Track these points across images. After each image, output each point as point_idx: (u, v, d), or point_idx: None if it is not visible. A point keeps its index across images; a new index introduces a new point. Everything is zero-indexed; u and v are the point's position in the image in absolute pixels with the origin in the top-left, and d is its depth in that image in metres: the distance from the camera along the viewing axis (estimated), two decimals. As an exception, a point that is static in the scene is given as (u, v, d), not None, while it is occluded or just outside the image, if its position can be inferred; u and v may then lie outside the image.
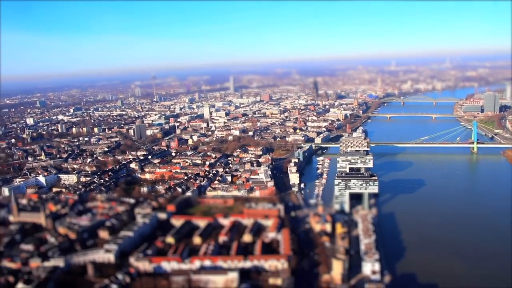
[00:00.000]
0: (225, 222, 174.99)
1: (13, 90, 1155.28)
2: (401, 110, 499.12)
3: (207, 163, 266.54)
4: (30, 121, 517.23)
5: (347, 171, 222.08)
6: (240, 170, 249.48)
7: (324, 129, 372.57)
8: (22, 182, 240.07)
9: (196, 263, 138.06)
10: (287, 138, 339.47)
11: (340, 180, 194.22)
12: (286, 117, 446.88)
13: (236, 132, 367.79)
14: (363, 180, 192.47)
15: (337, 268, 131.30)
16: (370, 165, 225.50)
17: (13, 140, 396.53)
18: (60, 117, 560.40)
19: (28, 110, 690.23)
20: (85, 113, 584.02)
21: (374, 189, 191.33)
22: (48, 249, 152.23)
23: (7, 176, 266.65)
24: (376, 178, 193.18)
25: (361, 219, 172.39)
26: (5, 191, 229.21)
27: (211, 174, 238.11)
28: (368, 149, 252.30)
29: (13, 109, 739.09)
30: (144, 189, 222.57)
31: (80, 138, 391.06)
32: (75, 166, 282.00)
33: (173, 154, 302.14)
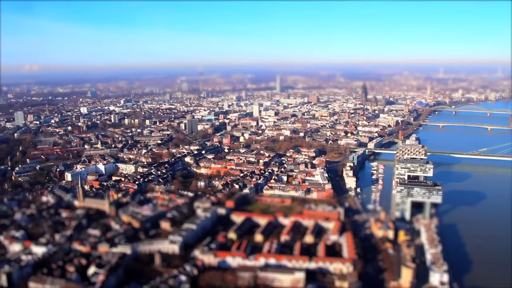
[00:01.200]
0: (285, 221, 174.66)
1: (64, 80, 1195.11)
2: (453, 119, 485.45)
3: (261, 161, 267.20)
4: (84, 110, 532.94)
5: (405, 178, 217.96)
6: (295, 170, 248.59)
7: (376, 134, 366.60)
8: (83, 169, 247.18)
9: (261, 260, 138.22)
10: (339, 141, 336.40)
11: (402, 187, 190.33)
12: (336, 120, 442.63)
13: (287, 132, 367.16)
14: (427, 189, 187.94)
15: (406, 276, 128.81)
16: (430, 174, 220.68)
17: (69, 128, 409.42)
18: (111, 107, 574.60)
19: (80, 100, 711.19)
20: (135, 105, 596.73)
21: (438, 198, 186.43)
22: (115, 236, 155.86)
23: (68, 162, 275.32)
24: (440, 187, 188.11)
25: (425, 228, 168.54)
26: (68, 176, 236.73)
27: (267, 173, 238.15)
28: (426, 157, 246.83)
29: (66, 98, 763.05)
30: (201, 184, 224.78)
31: (133, 129, 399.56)
32: (130, 156, 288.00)
33: (226, 150, 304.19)
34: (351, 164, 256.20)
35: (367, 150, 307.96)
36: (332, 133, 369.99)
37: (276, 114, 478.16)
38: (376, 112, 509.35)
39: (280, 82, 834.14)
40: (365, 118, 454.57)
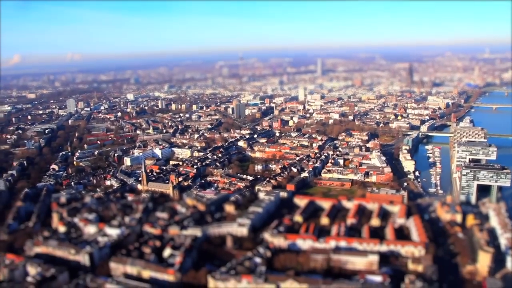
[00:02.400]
0: (349, 205, 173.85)
1: (105, 67, 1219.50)
2: (506, 101, 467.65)
3: (314, 145, 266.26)
4: (130, 96, 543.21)
5: (467, 161, 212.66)
6: (350, 154, 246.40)
7: (427, 117, 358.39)
8: (140, 154, 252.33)
9: (331, 243, 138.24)
10: (390, 125, 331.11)
11: (468, 171, 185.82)
12: (384, 103, 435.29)
13: (336, 116, 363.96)
14: (494, 172, 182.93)
15: (484, 260, 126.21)
16: (493, 157, 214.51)
17: (119, 114, 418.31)
18: (156, 93, 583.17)
19: (125, 86, 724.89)
20: (179, 91, 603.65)
21: (506, 182, 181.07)
22: (183, 219, 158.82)
23: (123, 147, 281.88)
24: (508, 170, 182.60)
25: (494, 212, 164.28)
26: (127, 161, 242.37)
27: (323, 157, 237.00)
28: (485, 140, 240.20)
29: (110, 85, 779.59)
30: (258, 167, 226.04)
31: (181, 115, 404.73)
32: (183, 141, 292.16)
33: (277, 134, 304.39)
34: (407, 147, 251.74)
35: (420, 133, 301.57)
36: (381, 116, 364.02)
37: (322, 97, 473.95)
38: (424, 94, 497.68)
39: (321, 65, 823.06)
40: (413, 100, 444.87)
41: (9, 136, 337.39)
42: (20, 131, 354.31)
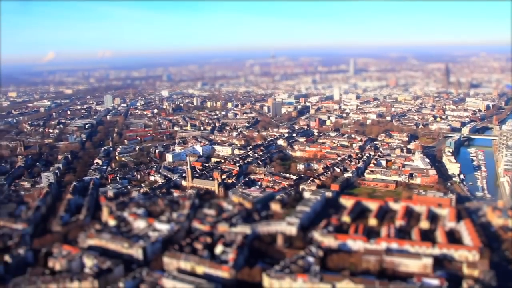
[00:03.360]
0: (396, 206, 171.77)
1: (136, 64, 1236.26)
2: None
3: (355, 145, 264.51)
4: (165, 93, 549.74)
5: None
6: (391, 155, 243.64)
7: (467, 119, 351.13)
8: (182, 150, 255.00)
9: (382, 245, 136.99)
10: (430, 126, 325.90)
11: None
12: (421, 104, 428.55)
13: (373, 116, 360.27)
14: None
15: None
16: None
17: (155, 110, 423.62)
18: (190, 91, 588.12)
19: (158, 83, 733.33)
20: (212, 88, 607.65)
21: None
22: (231, 216, 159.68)
23: (163, 144, 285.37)
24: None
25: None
26: (169, 157, 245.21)
27: (364, 157, 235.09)
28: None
29: (143, 82, 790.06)
30: (300, 166, 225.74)
31: (216, 112, 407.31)
32: (222, 138, 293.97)
33: (315, 133, 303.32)
34: (450, 150, 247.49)
35: (462, 136, 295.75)
36: (419, 118, 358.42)
37: (358, 97, 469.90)
38: (461, 95, 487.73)
39: (353, 65, 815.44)
40: (451, 102, 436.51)
41: (51, 130, 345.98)
42: (61, 126, 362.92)
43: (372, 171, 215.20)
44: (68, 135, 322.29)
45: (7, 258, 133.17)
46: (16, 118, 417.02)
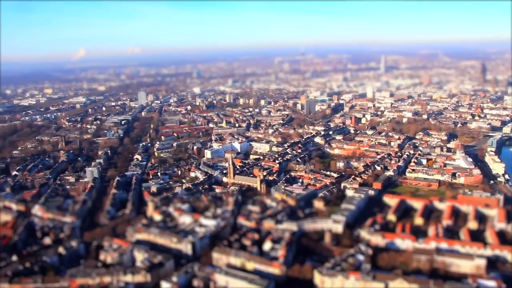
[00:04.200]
0: (441, 206, 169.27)
1: (165, 61, 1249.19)
2: None
3: (393, 143, 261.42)
4: (197, 90, 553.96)
5: None
6: (432, 154, 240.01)
7: (508, 118, 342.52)
8: (220, 147, 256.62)
9: (431, 244, 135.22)
10: (468, 125, 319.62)
11: None
12: (457, 102, 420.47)
13: (409, 114, 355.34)
14: None
15: None
16: None
17: (189, 107, 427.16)
18: (221, 88, 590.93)
19: (188, 80, 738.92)
20: (244, 85, 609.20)
21: None
22: (276, 213, 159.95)
23: (200, 140, 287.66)
24: None
25: None
26: (207, 154, 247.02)
27: (404, 155, 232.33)
28: None
29: (174, 78, 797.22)
30: (340, 164, 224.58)
31: (250, 109, 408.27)
32: (259, 135, 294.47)
33: (352, 131, 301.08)
34: (493, 149, 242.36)
35: (503, 135, 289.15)
36: (457, 116, 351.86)
37: (391, 95, 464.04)
38: (499, 94, 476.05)
39: (384, 62, 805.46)
40: (488, 100, 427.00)
41: (89, 126, 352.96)
42: (98, 122, 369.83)
43: (413, 170, 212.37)
44: (105, 131, 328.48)
45: (61, 250, 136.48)
46: (54, 114, 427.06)
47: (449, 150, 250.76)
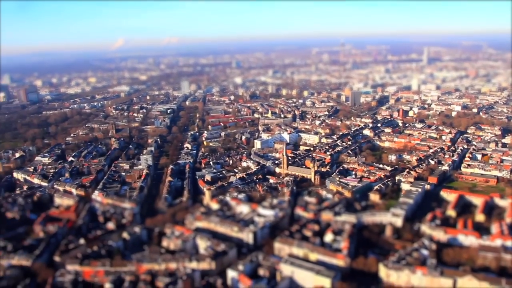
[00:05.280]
0: (503, 203, 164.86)
1: (202, 51, 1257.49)
2: None
3: (444, 137, 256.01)
4: (238, 80, 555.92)
5: None
6: (486, 149, 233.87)
7: None
8: (270, 137, 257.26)
9: (497, 242, 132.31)
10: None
11: None
12: (508, 95, 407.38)
13: (457, 108, 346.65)
14: None
15: None
16: None
17: (232, 97, 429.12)
18: (262, 78, 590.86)
19: (228, 70, 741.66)
20: (284, 76, 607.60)
21: None
22: (333, 205, 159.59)
23: (247, 130, 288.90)
24: None
25: None
26: (257, 144, 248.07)
27: (458, 150, 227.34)
28: None
29: (213, 68, 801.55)
30: (392, 157, 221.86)
31: (294, 100, 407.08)
32: (306, 126, 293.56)
33: (400, 124, 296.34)
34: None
35: None
36: (509, 110, 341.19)
37: (437, 88, 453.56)
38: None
39: (427, 54, 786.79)
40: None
41: (135, 115, 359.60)
42: (144, 110, 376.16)
43: (468, 165, 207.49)
44: (153, 120, 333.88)
45: (125, 235, 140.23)
46: (101, 102, 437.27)
47: (504, 145, 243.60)
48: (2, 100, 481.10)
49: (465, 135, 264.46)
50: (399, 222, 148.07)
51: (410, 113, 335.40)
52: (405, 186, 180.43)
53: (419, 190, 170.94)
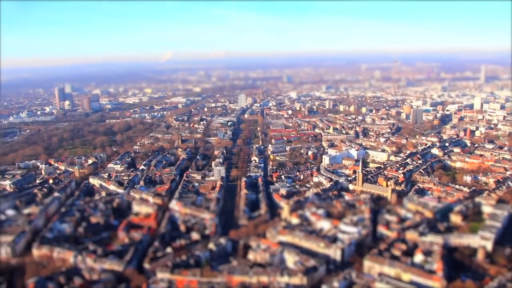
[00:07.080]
0: None
1: (250, 65, 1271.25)
2: None
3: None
4: (293, 94, 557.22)
5: None
6: None
7: None
8: (338, 153, 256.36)
9: None
10: None
11: None
12: None
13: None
14: None
15: None
16: None
17: (290, 111, 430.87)
18: (316, 93, 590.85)
19: (280, 84, 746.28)
20: (338, 92, 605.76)
21: None
22: (416, 224, 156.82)
23: (311, 145, 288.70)
24: None
25: None
26: (326, 159, 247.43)
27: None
28: None
29: (265, 82, 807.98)
30: (467, 178, 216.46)
31: (352, 116, 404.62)
32: (371, 143, 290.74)
33: (468, 144, 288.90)
34: None
35: None
36: None
37: (502, 107, 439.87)
38: None
39: (485, 72, 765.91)
40: None
41: (196, 126, 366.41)
42: (205, 122, 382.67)
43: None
44: (215, 131, 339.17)
45: (211, 246, 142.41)
46: (160, 112, 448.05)
47: None
48: (67, 108, 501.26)
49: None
50: (488, 245, 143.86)
51: (477, 133, 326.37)
52: (486, 209, 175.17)
53: (505, 213, 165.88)
